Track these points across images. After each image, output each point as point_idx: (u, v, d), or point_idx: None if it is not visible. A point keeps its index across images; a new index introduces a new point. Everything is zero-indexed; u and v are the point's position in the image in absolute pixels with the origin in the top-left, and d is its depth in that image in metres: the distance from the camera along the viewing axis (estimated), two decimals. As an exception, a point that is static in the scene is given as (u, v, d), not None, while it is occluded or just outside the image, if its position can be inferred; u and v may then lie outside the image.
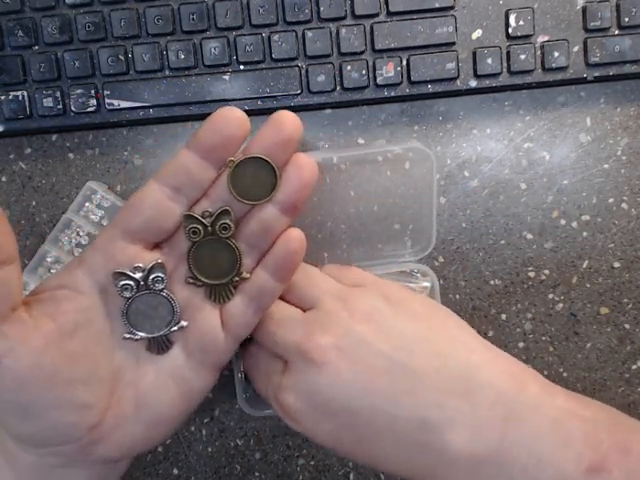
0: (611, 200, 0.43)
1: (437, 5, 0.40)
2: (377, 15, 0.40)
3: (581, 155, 0.43)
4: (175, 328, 0.30)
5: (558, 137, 0.43)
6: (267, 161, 0.29)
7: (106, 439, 0.29)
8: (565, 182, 0.43)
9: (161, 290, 0.29)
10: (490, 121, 0.43)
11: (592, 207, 0.43)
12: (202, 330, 0.30)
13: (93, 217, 0.42)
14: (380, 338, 0.31)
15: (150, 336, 0.30)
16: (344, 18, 0.40)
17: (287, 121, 0.29)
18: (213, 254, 0.30)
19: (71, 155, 0.44)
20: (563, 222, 0.43)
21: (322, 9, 0.40)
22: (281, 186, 0.29)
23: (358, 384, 0.30)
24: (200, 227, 0.29)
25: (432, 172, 0.39)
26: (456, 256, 0.44)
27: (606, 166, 0.43)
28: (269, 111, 0.42)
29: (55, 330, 0.27)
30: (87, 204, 0.42)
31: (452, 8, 0.40)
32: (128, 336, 0.29)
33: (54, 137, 0.44)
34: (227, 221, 0.29)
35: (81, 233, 0.42)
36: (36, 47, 0.41)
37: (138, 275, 0.28)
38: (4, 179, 0.44)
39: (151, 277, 0.29)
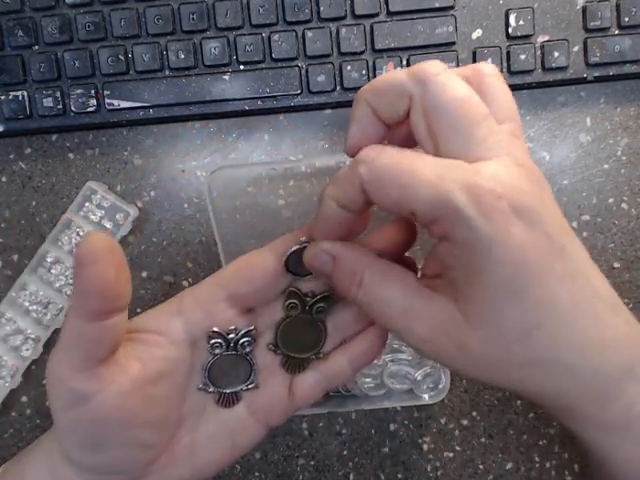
0: (611, 200, 0.43)
1: (437, 5, 0.40)
2: (377, 15, 0.40)
3: (581, 155, 0.43)
4: (247, 388, 0.31)
5: (558, 137, 0.43)
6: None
7: (154, 476, 0.30)
8: (565, 182, 0.43)
9: (247, 354, 0.31)
10: (490, 121, 0.43)
11: (592, 207, 0.43)
12: (270, 394, 0.31)
13: (93, 217, 0.42)
14: None
15: (222, 391, 0.31)
16: (344, 18, 0.40)
17: None
18: (301, 330, 0.31)
19: (71, 155, 0.44)
20: (563, 222, 0.43)
21: (322, 9, 0.40)
22: None
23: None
24: (299, 304, 0.30)
25: None
26: (456, 256, 0.43)
27: (606, 166, 0.43)
28: (269, 111, 0.42)
29: (142, 375, 0.28)
30: (87, 204, 0.42)
31: (452, 8, 0.40)
32: (202, 387, 0.31)
33: (54, 137, 0.44)
34: (324, 305, 0.30)
35: (81, 233, 0.42)
36: (36, 47, 0.41)
37: (230, 336, 0.30)
38: (4, 179, 0.44)
39: (241, 341, 0.30)
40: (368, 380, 0.41)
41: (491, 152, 0.24)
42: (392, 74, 0.25)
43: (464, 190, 0.22)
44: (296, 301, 0.30)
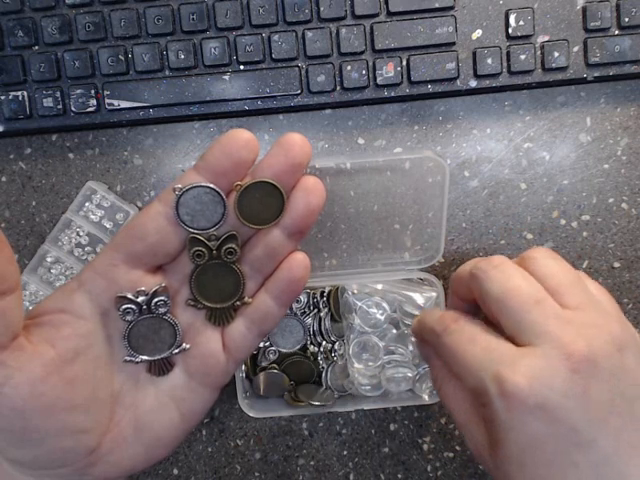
0: (611, 200, 0.43)
1: (437, 5, 0.40)
2: (377, 15, 0.40)
3: (581, 155, 0.43)
4: (177, 351, 0.30)
5: (558, 137, 0.43)
6: (275, 185, 0.28)
7: (104, 461, 0.29)
8: (565, 182, 0.43)
9: (164, 314, 0.29)
10: (490, 121, 0.43)
11: (592, 207, 0.43)
12: (203, 353, 0.30)
13: (93, 217, 0.42)
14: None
15: (152, 359, 0.29)
16: (344, 18, 0.40)
17: (296, 144, 0.28)
18: (216, 278, 0.29)
19: (71, 155, 0.44)
20: (563, 222, 0.43)
21: (322, 9, 0.40)
22: (288, 211, 0.29)
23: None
24: (205, 250, 0.29)
25: (444, 183, 0.38)
26: (456, 256, 0.43)
27: (606, 166, 0.43)
28: (269, 111, 0.42)
29: (55, 357, 0.26)
30: (87, 204, 0.42)
31: (452, 8, 0.40)
32: (129, 359, 0.29)
33: (54, 137, 0.44)
34: (233, 245, 0.29)
35: (81, 233, 0.42)
36: (36, 47, 0.41)
37: (141, 299, 0.28)
38: (4, 179, 0.44)
39: (154, 301, 0.29)
40: (365, 382, 0.41)
41: (538, 339, 0.26)
42: (462, 268, 0.32)
43: (495, 381, 0.26)
44: (201, 248, 0.29)
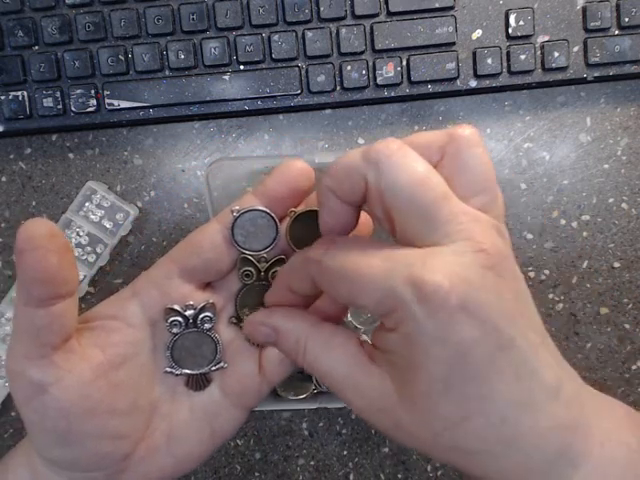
0: (611, 200, 0.43)
1: (437, 5, 0.40)
2: (377, 15, 0.40)
3: (581, 155, 0.43)
4: (215, 368, 0.30)
5: (558, 137, 0.43)
6: None
7: (135, 469, 0.29)
8: (565, 182, 0.43)
9: (208, 330, 0.30)
10: (490, 121, 0.43)
11: (592, 207, 0.43)
12: (240, 372, 0.30)
13: (93, 217, 0.42)
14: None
15: (191, 373, 0.30)
16: (344, 18, 0.40)
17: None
18: (260, 297, 0.30)
19: (71, 155, 0.44)
20: (563, 222, 0.43)
21: (322, 9, 0.40)
22: None
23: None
24: (254, 271, 0.30)
25: None
26: (456, 256, 0.43)
27: (606, 166, 0.43)
28: (269, 111, 0.42)
29: (103, 361, 0.27)
30: (87, 204, 0.42)
31: (452, 8, 0.40)
32: (169, 371, 0.30)
33: (54, 137, 0.44)
34: (280, 269, 0.30)
35: (81, 233, 0.42)
36: (36, 47, 0.41)
37: (189, 313, 0.29)
38: (4, 179, 0.44)
39: (201, 316, 0.29)
40: None
41: (448, 237, 0.23)
42: (348, 157, 0.25)
43: (409, 285, 0.22)
44: (250, 268, 0.30)
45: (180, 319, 0.29)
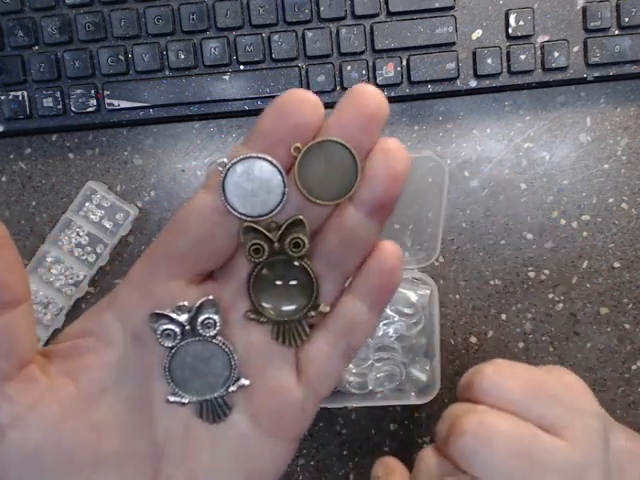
0: (611, 200, 0.43)
1: (437, 5, 0.40)
2: (377, 15, 0.40)
3: (581, 155, 0.43)
4: (234, 388, 0.22)
5: (558, 137, 0.43)
6: (344, 146, 0.21)
7: None
8: (565, 182, 0.43)
9: (213, 337, 0.22)
10: (490, 121, 0.43)
11: (592, 207, 0.43)
12: (271, 388, 0.22)
13: (93, 217, 0.42)
14: None
15: (201, 399, 0.22)
16: (344, 18, 0.40)
17: (368, 94, 0.21)
18: (283, 278, 0.22)
19: (71, 155, 0.44)
20: (563, 222, 0.43)
21: (322, 9, 0.40)
22: (365, 180, 0.21)
23: None
24: (264, 244, 0.21)
25: (443, 183, 0.38)
26: (456, 256, 0.43)
27: (606, 166, 0.43)
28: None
29: (75, 393, 0.21)
30: (87, 204, 0.42)
31: (452, 8, 0.40)
32: (173, 399, 0.22)
33: (54, 137, 0.44)
34: (300, 235, 0.21)
35: (81, 233, 0.42)
36: (36, 47, 0.41)
37: (183, 317, 0.21)
38: (4, 179, 0.44)
39: (200, 319, 0.22)
40: (354, 380, 0.41)
41: None
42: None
43: None
44: (258, 241, 0.21)
45: (173, 327, 0.21)
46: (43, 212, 0.44)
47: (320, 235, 0.22)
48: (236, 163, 0.21)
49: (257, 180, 0.21)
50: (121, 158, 0.44)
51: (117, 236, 0.43)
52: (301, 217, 0.21)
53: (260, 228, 0.21)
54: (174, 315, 0.21)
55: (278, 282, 0.22)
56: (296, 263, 0.22)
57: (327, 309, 0.22)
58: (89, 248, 0.42)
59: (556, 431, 0.27)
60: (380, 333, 0.41)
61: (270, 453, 0.23)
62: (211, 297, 0.21)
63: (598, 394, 0.44)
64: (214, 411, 0.22)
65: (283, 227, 0.21)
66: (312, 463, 0.45)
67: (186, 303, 0.21)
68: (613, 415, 0.35)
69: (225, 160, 0.21)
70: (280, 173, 0.21)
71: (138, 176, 0.44)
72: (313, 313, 0.22)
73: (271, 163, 0.21)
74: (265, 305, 0.22)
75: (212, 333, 0.22)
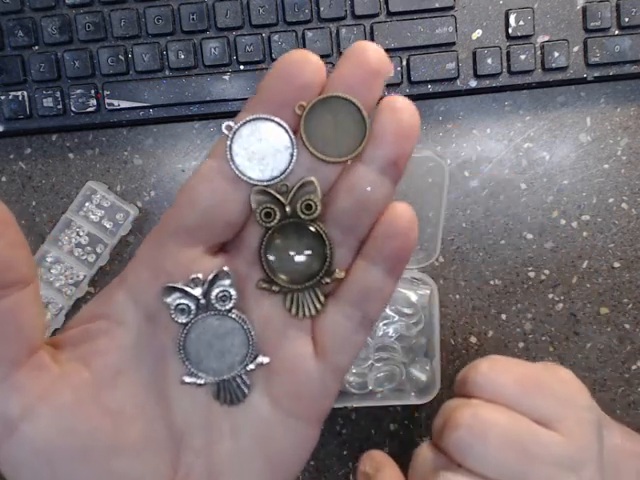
0: (611, 200, 0.43)
1: (437, 5, 0.40)
2: (377, 15, 0.40)
3: (581, 155, 0.43)
4: (252, 366, 0.21)
5: (558, 137, 0.43)
6: (350, 101, 0.20)
7: None
8: (565, 182, 0.43)
9: (229, 310, 0.21)
10: (490, 121, 0.43)
11: (592, 207, 0.43)
12: (288, 364, 0.21)
13: (93, 217, 0.42)
14: None
15: (218, 379, 0.21)
16: (344, 18, 0.40)
17: (369, 50, 0.20)
18: (297, 243, 0.21)
19: (71, 155, 0.44)
20: (563, 222, 0.43)
21: (322, 9, 0.40)
22: (374, 136, 0.20)
23: None
24: (275, 208, 0.21)
25: (443, 183, 0.38)
26: (456, 256, 0.43)
27: (606, 166, 0.43)
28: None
29: (90, 380, 0.20)
30: (87, 204, 0.42)
31: (452, 8, 0.40)
32: (189, 380, 0.21)
33: (54, 137, 0.44)
34: (311, 197, 0.21)
35: (81, 233, 0.42)
36: (36, 47, 0.41)
37: (197, 291, 0.20)
38: (4, 179, 0.44)
39: (214, 293, 0.21)
40: (354, 380, 0.41)
41: None
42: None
43: None
44: (270, 205, 0.21)
45: (187, 301, 0.20)
46: (43, 212, 0.44)
47: (332, 197, 0.21)
48: (242, 125, 0.20)
49: (265, 142, 0.20)
50: (121, 158, 0.44)
51: (117, 236, 0.43)
52: (312, 178, 0.21)
53: (271, 191, 0.21)
54: (188, 288, 0.20)
55: (290, 247, 0.21)
56: (309, 227, 0.21)
57: (342, 274, 0.21)
58: (89, 248, 0.42)
59: (551, 425, 0.27)
60: (380, 333, 0.41)
61: (292, 437, 0.22)
62: (225, 268, 0.21)
63: (598, 394, 0.44)
64: (232, 392, 0.21)
65: (294, 189, 0.21)
66: (312, 463, 0.45)
67: (200, 275, 0.20)
68: (613, 415, 0.35)
69: (231, 123, 0.21)
70: (287, 133, 0.20)
71: (138, 176, 0.44)
72: (328, 280, 0.21)
73: (278, 124, 0.20)
74: (277, 272, 0.21)
75: (228, 307, 0.21)
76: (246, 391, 0.21)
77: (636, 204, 0.43)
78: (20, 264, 0.19)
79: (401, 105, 0.20)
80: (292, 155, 0.21)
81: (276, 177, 0.21)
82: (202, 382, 0.21)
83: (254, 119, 0.20)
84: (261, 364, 0.21)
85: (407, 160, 0.21)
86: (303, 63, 0.20)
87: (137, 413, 0.20)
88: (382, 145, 0.20)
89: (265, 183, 0.20)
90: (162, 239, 0.21)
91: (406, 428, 0.44)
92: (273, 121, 0.20)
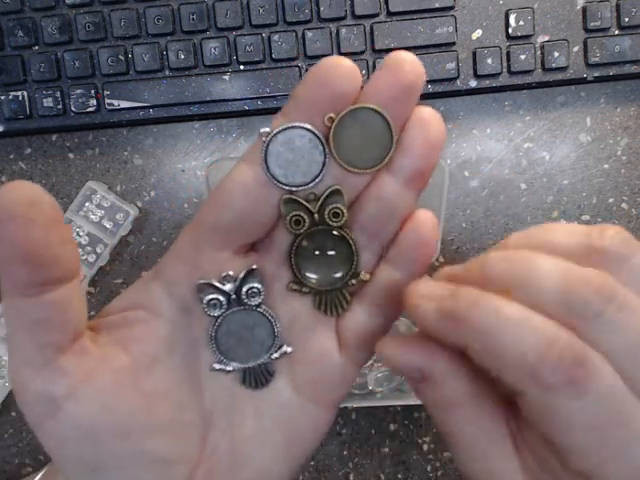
0: (611, 200, 0.43)
1: (437, 5, 0.40)
2: (377, 15, 0.40)
3: (581, 155, 0.43)
4: (277, 355, 0.23)
5: (558, 137, 0.43)
6: (379, 113, 0.21)
7: None
8: (565, 182, 0.43)
9: (258, 305, 0.23)
10: (490, 121, 0.43)
11: (592, 207, 0.43)
12: (313, 355, 0.23)
13: (93, 217, 0.42)
14: None
15: (245, 366, 0.23)
16: (344, 18, 0.40)
17: (405, 62, 0.21)
18: (323, 248, 0.23)
19: (71, 155, 0.44)
20: (563, 222, 0.43)
21: (322, 9, 0.40)
22: (401, 148, 0.21)
23: None
24: (304, 215, 0.22)
25: (443, 183, 0.38)
26: (456, 256, 0.43)
27: (606, 166, 0.43)
28: (269, 111, 0.42)
29: (128, 364, 0.21)
30: (87, 204, 0.42)
31: (452, 8, 0.40)
32: (218, 367, 0.23)
33: (54, 137, 0.44)
34: (338, 205, 0.22)
35: (81, 233, 0.42)
36: (36, 47, 0.41)
37: (228, 287, 0.22)
38: (4, 179, 0.44)
39: (244, 289, 0.23)
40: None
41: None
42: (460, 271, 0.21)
43: None
44: (299, 212, 0.22)
45: (219, 296, 0.22)
46: (43, 212, 0.44)
47: (358, 205, 0.22)
48: (278, 132, 0.21)
49: (298, 150, 0.21)
50: (121, 158, 0.44)
51: (117, 236, 0.43)
52: (339, 187, 0.22)
53: (300, 200, 0.22)
54: (220, 285, 0.22)
55: (319, 252, 0.23)
56: (336, 233, 0.22)
57: (367, 277, 0.23)
58: (89, 248, 0.42)
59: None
60: None
61: (310, 420, 0.24)
62: (255, 267, 0.22)
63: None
64: (257, 377, 0.23)
65: (322, 198, 0.22)
66: (312, 463, 0.45)
67: (231, 273, 0.22)
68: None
69: (268, 130, 0.21)
70: (321, 143, 0.21)
71: (138, 176, 0.44)
72: (354, 281, 0.23)
73: (313, 133, 0.21)
74: (308, 275, 0.23)
75: (256, 302, 0.23)
76: (270, 377, 0.23)
77: (636, 204, 0.43)
78: (68, 260, 0.20)
79: (429, 117, 0.22)
80: (324, 164, 0.22)
81: (306, 183, 0.22)
82: (230, 369, 0.23)
83: (291, 127, 0.21)
84: (285, 353, 0.23)
85: (432, 171, 0.22)
86: (339, 71, 0.20)
87: (169, 397, 0.22)
88: (410, 156, 0.22)
89: (294, 189, 0.22)
90: (198, 238, 0.22)
91: (406, 428, 0.44)
92: (307, 129, 0.21)
